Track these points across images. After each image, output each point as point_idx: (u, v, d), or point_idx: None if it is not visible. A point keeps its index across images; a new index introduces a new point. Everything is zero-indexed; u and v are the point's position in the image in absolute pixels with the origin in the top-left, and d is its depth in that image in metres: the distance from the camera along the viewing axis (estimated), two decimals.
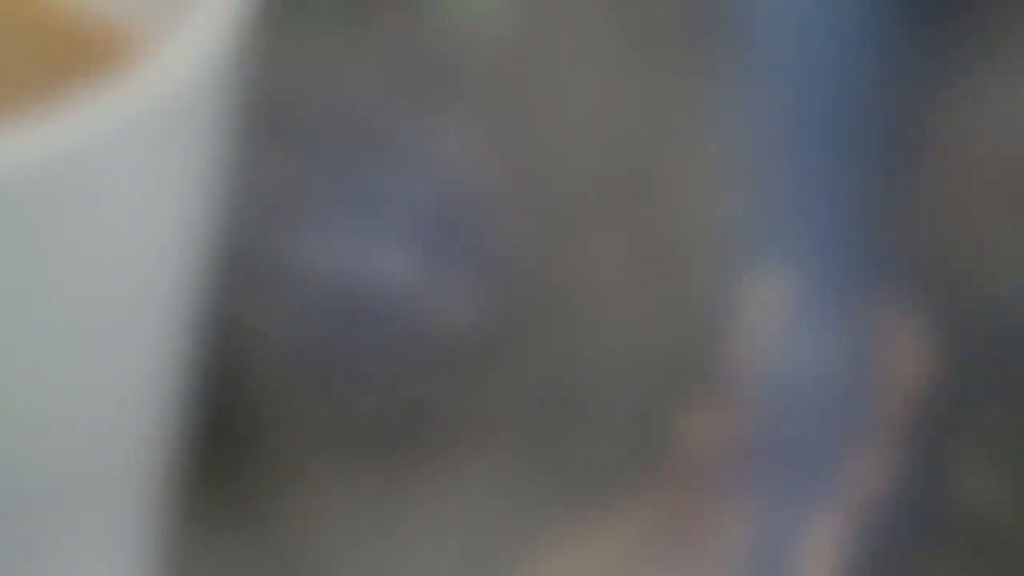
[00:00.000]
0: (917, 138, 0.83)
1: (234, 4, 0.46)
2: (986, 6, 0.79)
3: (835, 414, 0.67)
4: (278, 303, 0.69)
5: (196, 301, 0.51)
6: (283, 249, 0.71)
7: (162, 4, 0.49)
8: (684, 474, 0.64)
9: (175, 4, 0.49)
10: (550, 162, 0.80)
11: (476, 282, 0.72)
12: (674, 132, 0.83)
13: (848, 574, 0.64)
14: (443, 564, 0.64)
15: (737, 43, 0.87)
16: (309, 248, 0.71)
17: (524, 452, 0.67)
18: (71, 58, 0.50)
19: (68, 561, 0.50)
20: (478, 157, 0.77)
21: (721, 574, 0.63)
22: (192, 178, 0.47)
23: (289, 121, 0.77)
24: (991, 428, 0.69)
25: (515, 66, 0.84)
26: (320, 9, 1.05)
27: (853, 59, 0.85)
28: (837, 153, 0.82)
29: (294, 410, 0.67)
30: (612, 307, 0.73)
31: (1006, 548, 0.67)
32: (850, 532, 0.65)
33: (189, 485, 0.65)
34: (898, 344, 0.69)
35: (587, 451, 0.67)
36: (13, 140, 0.40)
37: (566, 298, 0.74)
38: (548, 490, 0.66)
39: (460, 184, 0.75)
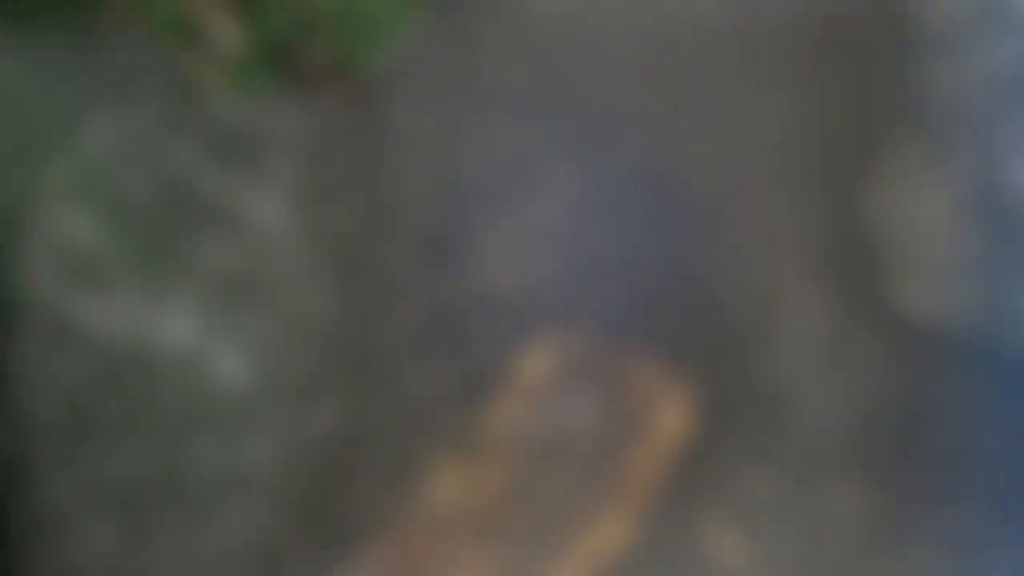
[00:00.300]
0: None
1: None
2: None
3: (590, 471, 0.69)
4: (58, 360, 0.72)
5: None
6: (68, 307, 0.74)
7: None
8: (432, 526, 0.66)
9: None
10: (356, 231, 0.83)
11: (256, 347, 0.75)
12: (471, 201, 0.86)
13: None
14: None
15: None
16: (96, 307, 0.74)
17: (281, 507, 0.69)
18: None
19: None
20: (284, 226, 0.80)
21: None
22: None
23: (103, 181, 0.80)
24: (742, 490, 0.70)
25: (340, 139, 0.87)
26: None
27: None
28: (618, 221, 0.84)
29: (61, 465, 0.70)
30: (388, 366, 0.75)
31: None
32: None
33: None
34: (658, 405, 0.71)
35: (343, 505, 0.69)
36: None
37: (342, 359, 0.76)
38: (303, 543, 0.68)
39: (260, 251, 0.78)
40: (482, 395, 0.74)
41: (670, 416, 0.72)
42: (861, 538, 0.73)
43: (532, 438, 0.71)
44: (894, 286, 0.76)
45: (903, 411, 0.75)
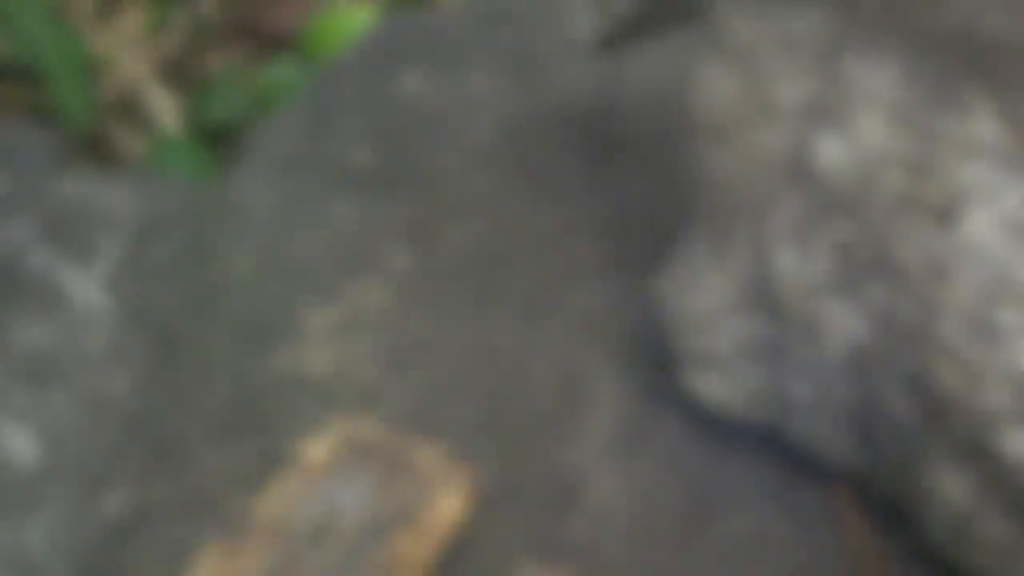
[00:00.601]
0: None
1: None
2: None
3: (356, 557, 0.69)
4: None
5: None
6: None
7: None
8: None
9: None
10: (177, 311, 0.85)
11: (51, 427, 0.76)
12: (298, 282, 0.87)
13: None
14: None
15: None
16: None
17: None
18: None
19: None
20: (103, 305, 0.81)
21: None
22: None
23: None
24: None
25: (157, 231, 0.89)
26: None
27: None
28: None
29: None
30: (186, 448, 0.77)
31: None
32: None
33: None
34: (437, 492, 0.71)
35: None
36: None
37: (141, 440, 0.77)
38: None
39: (73, 330, 0.80)
40: (271, 477, 0.75)
41: (447, 503, 0.73)
42: None
43: (303, 520, 0.72)
44: (686, 374, 0.76)
45: (691, 500, 0.75)
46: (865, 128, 0.66)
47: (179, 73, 1.46)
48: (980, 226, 0.63)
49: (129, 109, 1.44)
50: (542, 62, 1.00)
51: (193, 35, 1.50)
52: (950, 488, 0.67)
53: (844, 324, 0.69)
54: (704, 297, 0.74)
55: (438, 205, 0.90)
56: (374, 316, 0.84)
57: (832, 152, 0.67)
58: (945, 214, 0.64)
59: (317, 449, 0.74)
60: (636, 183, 0.91)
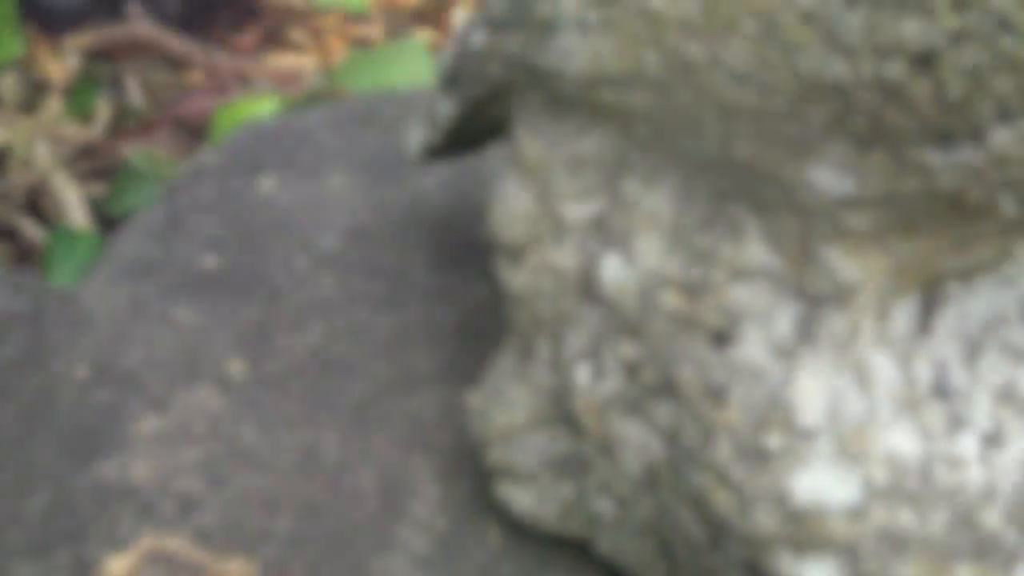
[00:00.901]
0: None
1: None
2: None
3: None
4: None
5: None
6: None
7: None
8: None
9: None
10: (4, 420, 0.85)
11: None
12: (130, 388, 0.86)
13: None
14: None
15: None
16: None
17: None
18: None
19: None
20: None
21: None
22: None
23: None
24: None
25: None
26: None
27: None
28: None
29: None
30: None
31: None
32: None
33: None
34: None
35: None
36: None
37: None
38: None
39: None
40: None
41: None
42: None
43: None
44: (498, 487, 0.76)
45: None
46: (644, 248, 0.66)
47: (98, 162, 1.46)
48: (753, 348, 0.63)
49: (38, 200, 1.44)
50: (401, 167, 1.00)
51: (115, 124, 1.50)
52: None
53: (637, 442, 0.68)
54: (510, 410, 0.73)
55: (279, 310, 0.90)
56: (203, 425, 0.83)
57: (615, 272, 0.67)
58: (720, 336, 0.64)
59: (118, 563, 0.74)
60: (481, 289, 0.91)
